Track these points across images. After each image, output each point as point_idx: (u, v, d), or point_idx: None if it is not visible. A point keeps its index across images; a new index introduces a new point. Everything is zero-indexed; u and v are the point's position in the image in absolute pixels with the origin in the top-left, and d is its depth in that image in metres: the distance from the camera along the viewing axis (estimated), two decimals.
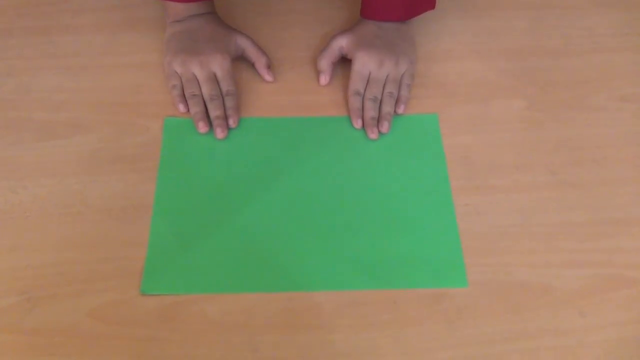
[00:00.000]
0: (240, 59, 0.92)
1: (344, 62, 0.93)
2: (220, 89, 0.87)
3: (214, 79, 0.87)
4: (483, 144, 0.86)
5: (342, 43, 0.91)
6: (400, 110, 0.88)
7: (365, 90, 0.88)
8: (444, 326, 0.72)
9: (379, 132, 0.86)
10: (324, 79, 0.91)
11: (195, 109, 0.85)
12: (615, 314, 0.73)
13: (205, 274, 0.75)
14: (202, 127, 0.84)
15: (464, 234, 0.78)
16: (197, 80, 0.87)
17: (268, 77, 0.91)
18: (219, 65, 0.87)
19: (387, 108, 0.87)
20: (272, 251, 0.77)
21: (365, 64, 0.88)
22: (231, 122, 0.85)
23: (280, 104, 0.89)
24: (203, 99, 0.86)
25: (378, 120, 0.87)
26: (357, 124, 0.86)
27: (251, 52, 0.91)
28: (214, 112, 0.85)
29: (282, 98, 0.90)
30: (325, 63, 0.91)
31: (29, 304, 0.72)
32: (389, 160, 0.84)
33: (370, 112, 0.87)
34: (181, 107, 0.86)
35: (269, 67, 0.91)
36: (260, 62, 0.91)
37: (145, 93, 0.89)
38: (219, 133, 0.84)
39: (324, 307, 0.73)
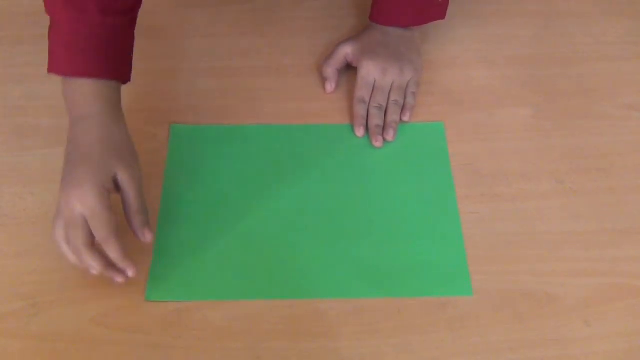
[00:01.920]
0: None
1: (350, 69, 0.93)
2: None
3: (83, 224, 0.67)
4: (489, 152, 0.86)
5: (347, 50, 0.91)
6: (406, 117, 0.88)
7: (370, 98, 0.88)
8: (448, 334, 0.72)
9: (384, 140, 0.86)
10: (329, 87, 0.91)
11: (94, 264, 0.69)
12: (622, 323, 0.73)
13: (210, 281, 0.75)
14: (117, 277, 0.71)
15: (469, 242, 0.78)
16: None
17: (144, 238, 0.72)
18: (81, 203, 0.67)
19: (393, 116, 0.87)
20: (277, 258, 0.77)
21: (369, 72, 0.88)
22: (147, 235, 0.72)
23: (285, 111, 0.89)
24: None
25: (383, 128, 0.87)
26: (359, 132, 0.86)
27: (127, 202, 0.71)
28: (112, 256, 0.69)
29: (287, 105, 0.90)
30: (330, 70, 0.91)
31: (34, 309, 0.73)
32: (394, 168, 0.84)
33: (375, 119, 0.86)
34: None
35: (147, 224, 0.72)
36: (134, 221, 0.71)
37: (151, 100, 0.89)
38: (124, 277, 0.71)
39: (327, 314, 0.73)
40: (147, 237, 0.72)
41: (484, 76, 0.94)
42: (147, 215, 0.72)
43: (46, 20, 0.97)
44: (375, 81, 0.89)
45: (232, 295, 0.74)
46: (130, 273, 0.70)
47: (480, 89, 0.92)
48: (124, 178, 0.70)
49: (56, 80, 0.89)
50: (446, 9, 0.91)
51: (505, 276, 0.76)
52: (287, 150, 0.86)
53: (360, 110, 0.88)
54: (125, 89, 0.89)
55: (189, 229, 0.79)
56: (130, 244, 0.76)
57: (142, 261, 0.76)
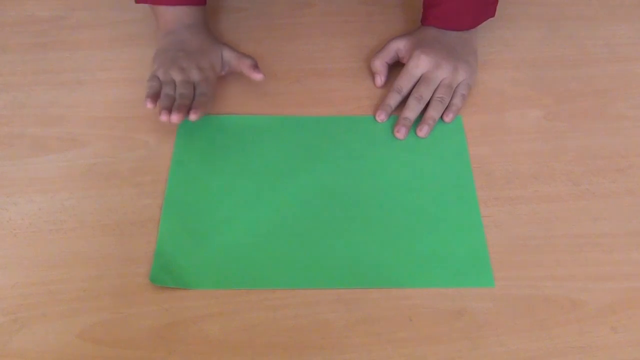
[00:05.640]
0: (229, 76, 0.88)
1: (355, 76, 0.90)
2: (194, 92, 0.82)
3: (191, 83, 0.82)
4: (500, 155, 0.81)
5: (399, 45, 0.87)
6: (448, 119, 0.83)
7: (412, 89, 0.84)
8: (465, 344, 0.66)
9: (416, 134, 0.82)
10: (379, 80, 0.88)
11: (165, 103, 0.79)
12: None
13: (215, 269, 0.71)
14: (164, 115, 0.77)
15: None
16: (175, 84, 0.82)
17: (256, 76, 0.83)
18: (200, 74, 0.83)
19: (433, 113, 0.83)
20: (289, 248, 0.73)
21: (419, 64, 0.84)
22: (192, 113, 0.77)
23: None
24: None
25: (418, 122, 0.83)
26: (380, 116, 0.83)
27: (234, 59, 0.86)
28: (178, 100, 0.79)
29: (285, 111, 0.86)
30: (379, 63, 0.88)
31: (16, 324, 0.67)
32: (412, 159, 0.81)
33: (408, 112, 0.82)
34: (148, 102, 0.78)
35: (256, 66, 0.84)
36: (244, 64, 0.85)
37: (143, 107, 0.84)
38: (174, 116, 0.76)
39: (333, 325, 0.68)
40: (257, 76, 0.83)
41: (491, 79, 0.90)
42: (253, 59, 0.85)
43: (32, 30, 0.95)
44: (422, 74, 0.84)
45: (244, 284, 0.70)
46: (192, 114, 0.77)
47: (489, 91, 0.88)
48: (226, 54, 0.86)
49: (43, 88, 0.87)
50: (496, 6, 0.88)
51: (524, 282, 0.71)
52: (299, 141, 0.82)
53: (391, 99, 0.84)
54: (116, 96, 0.87)
55: (195, 216, 0.75)
56: (118, 254, 0.73)
57: (132, 271, 0.71)
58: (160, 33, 0.89)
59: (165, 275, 0.70)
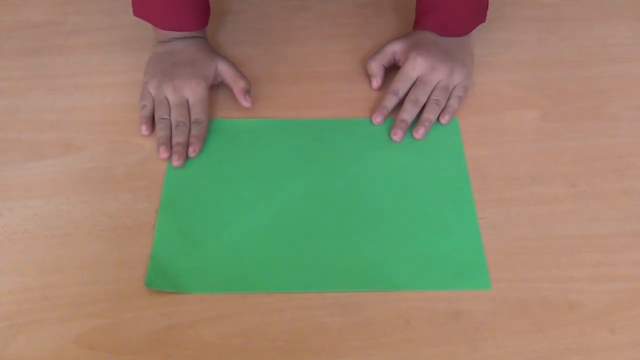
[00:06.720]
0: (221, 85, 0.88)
1: (351, 78, 0.90)
2: (189, 116, 0.83)
3: (185, 105, 0.83)
4: (497, 156, 0.81)
5: (395, 48, 0.87)
6: (445, 120, 0.83)
7: (408, 91, 0.84)
8: (463, 347, 0.66)
9: (412, 136, 0.82)
10: (375, 83, 0.88)
11: (161, 132, 0.81)
12: None
13: (211, 273, 0.71)
14: (163, 152, 0.80)
15: None
16: (169, 104, 0.83)
17: (245, 103, 0.84)
18: (192, 91, 0.83)
19: (429, 115, 0.83)
20: (285, 251, 0.73)
21: (415, 66, 0.84)
22: (191, 150, 0.80)
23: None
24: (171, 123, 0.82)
25: (415, 125, 0.83)
26: (377, 118, 0.83)
27: (229, 77, 0.86)
28: (176, 138, 0.80)
29: (281, 114, 0.86)
30: (375, 66, 0.87)
31: (11, 330, 0.67)
32: (408, 161, 0.80)
33: (405, 114, 0.82)
34: (143, 129, 0.82)
35: (248, 91, 0.85)
36: (237, 87, 0.85)
37: (138, 112, 0.85)
38: (175, 161, 0.79)
39: (330, 328, 0.67)
40: (245, 103, 0.84)
41: (488, 80, 0.90)
42: (247, 82, 0.85)
43: (27, 35, 0.95)
44: (418, 77, 0.84)
45: (241, 287, 0.70)
46: (192, 151, 0.80)
47: (485, 92, 0.88)
48: (221, 67, 0.86)
49: (38, 94, 0.86)
50: (486, 12, 0.89)
51: (521, 283, 0.70)
52: (295, 144, 0.82)
53: (387, 101, 0.84)
54: (112, 101, 0.87)
55: (191, 220, 0.75)
56: (115, 259, 0.72)
57: (128, 276, 0.71)
58: (155, 40, 0.89)
59: (161, 280, 0.70)
